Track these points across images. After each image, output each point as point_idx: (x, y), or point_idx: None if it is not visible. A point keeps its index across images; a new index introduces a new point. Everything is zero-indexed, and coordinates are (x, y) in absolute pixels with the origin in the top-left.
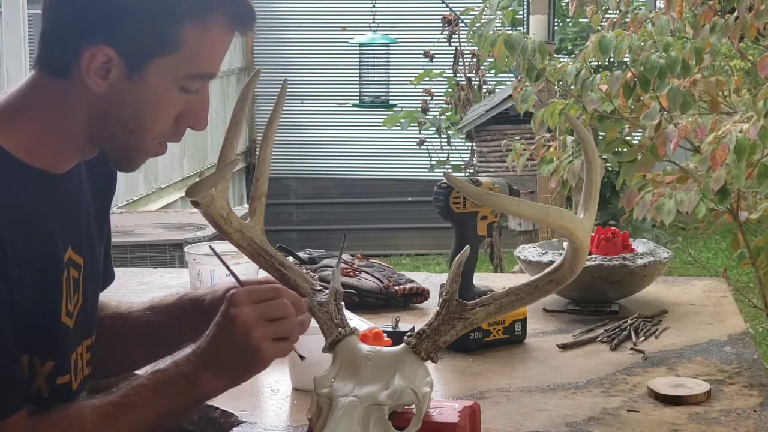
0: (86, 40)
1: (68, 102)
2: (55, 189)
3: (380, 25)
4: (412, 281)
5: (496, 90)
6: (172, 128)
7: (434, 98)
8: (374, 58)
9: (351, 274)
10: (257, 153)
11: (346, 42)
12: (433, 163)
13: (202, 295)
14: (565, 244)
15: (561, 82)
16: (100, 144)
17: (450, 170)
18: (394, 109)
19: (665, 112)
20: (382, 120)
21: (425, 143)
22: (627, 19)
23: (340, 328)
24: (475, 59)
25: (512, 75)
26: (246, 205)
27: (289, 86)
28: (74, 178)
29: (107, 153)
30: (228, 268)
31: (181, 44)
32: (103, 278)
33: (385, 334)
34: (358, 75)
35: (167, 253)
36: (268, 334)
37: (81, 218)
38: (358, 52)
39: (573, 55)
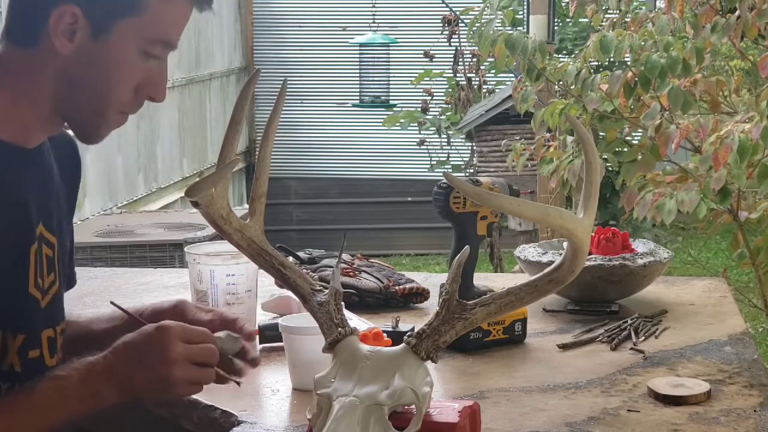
0: (51, 5)
1: (36, 72)
2: (28, 162)
3: (380, 25)
4: (412, 281)
5: (496, 90)
6: (132, 98)
7: (434, 98)
8: (374, 58)
9: (351, 274)
10: (257, 153)
11: (346, 42)
12: (433, 163)
13: (146, 306)
14: (565, 244)
15: (561, 82)
16: (66, 114)
17: (450, 170)
18: (394, 109)
19: (666, 112)
20: (382, 120)
21: (425, 143)
22: (627, 19)
23: (340, 328)
24: (475, 59)
25: (512, 75)
26: (246, 205)
27: (289, 86)
28: (44, 154)
29: (72, 124)
30: (128, 313)
31: (145, 7)
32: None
33: (385, 334)
34: (358, 75)
35: (167, 253)
36: (187, 378)
37: (51, 197)
38: (358, 52)
39: (573, 55)
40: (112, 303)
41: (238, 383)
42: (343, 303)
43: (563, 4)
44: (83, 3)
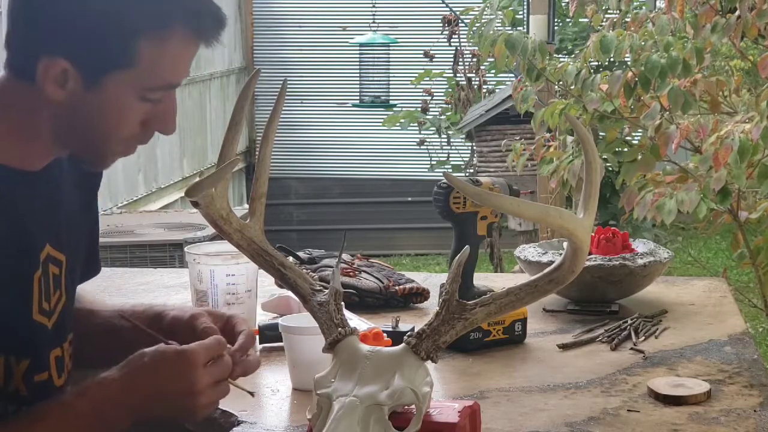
0: (42, 51)
1: (34, 104)
2: (32, 186)
3: (380, 25)
4: (412, 281)
5: (496, 90)
6: (138, 133)
7: (434, 98)
8: (374, 58)
9: (351, 274)
10: (257, 153)
11: (346, 42)
12: (433, 163)
13: (168, 309)
14: (565, 244)
15: (561, 82)
16: (68, 146)
17: (450, 170)
18: (394, 109)
19: (666, 112)
20: (382, 120)
21: (425, 143)
22: (627, 19)
23: (340, 328)
24: (475, 59)
25: (512, 75)
26: (246, 205)
27: (289, 86)
28: (52, 172)
29: (75, 155)
30: (140, 327)
31: (138, 58)
32: (87, 269)
33: (385, 334)
34: (358, 75)
35: (167, 253)
36: (209, 401)
37: (60, 214)
38: (358, 52)
39: (573, 55)
40: (122, 317)
41: (252, 393)
42: (343, 303)
43: (563, 4)
44: (72, 57)
